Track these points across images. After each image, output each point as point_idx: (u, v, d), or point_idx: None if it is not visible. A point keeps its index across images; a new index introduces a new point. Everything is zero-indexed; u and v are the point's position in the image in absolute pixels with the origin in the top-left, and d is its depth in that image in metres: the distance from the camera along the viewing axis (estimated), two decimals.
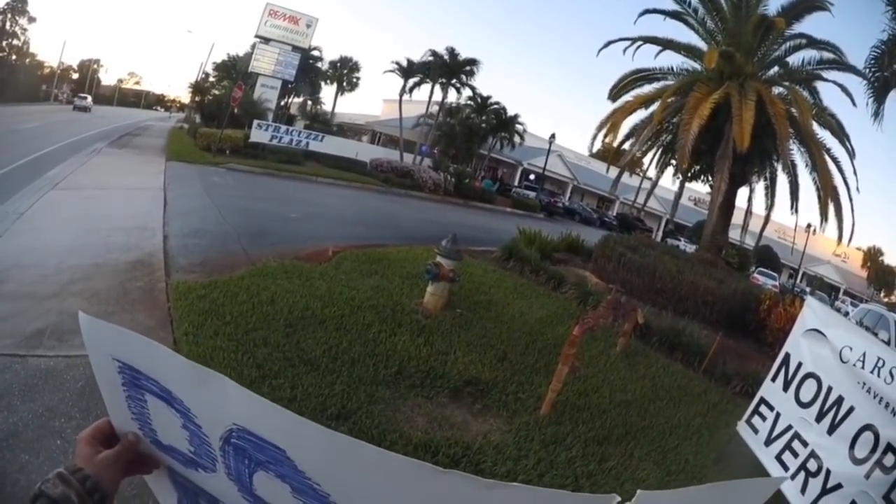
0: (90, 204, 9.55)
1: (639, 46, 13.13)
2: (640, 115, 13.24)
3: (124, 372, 0.74)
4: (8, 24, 52.59)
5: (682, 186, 14.96)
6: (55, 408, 3.32)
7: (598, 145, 14.85)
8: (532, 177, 41.00)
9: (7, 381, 3.53)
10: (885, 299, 45.05)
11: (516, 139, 34.27)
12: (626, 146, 14.26)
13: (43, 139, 18.25)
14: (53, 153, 15.10)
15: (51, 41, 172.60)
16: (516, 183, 40.53)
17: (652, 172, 14.78)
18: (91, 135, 23.29)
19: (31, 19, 55.31)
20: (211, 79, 45.87)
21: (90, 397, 3.41)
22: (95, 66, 79.37)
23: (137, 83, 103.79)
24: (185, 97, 67.20)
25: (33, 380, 3.59)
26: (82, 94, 54.00)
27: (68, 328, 4.33)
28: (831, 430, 3.49)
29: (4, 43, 52.74)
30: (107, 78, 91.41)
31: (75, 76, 76.87)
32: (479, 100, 32.41)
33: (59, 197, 9.55)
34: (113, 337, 0.73)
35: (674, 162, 12.88)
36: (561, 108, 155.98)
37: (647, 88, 13.25)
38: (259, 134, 24.48)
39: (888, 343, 12.04)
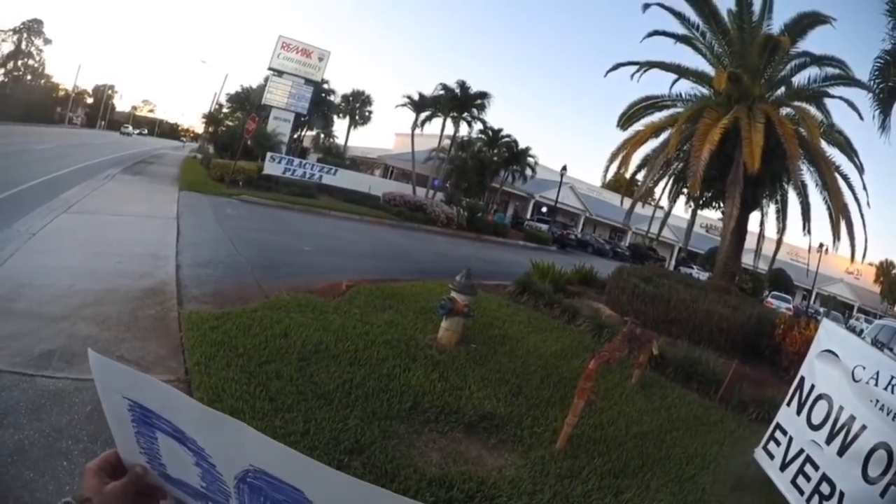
0: (103, 229, 9.61)
1: (645, 70, 13.15)
2: (651, 144, 13.26)
3: (135, 410, 0.72)
4: (24, 44, 54.09)
5: (694, 214, 14.86)
6: (63, 429, 3.29)
7: (610, 175, 14.82)
8: (544, 209, 41.08)
9: (14, 398, 3.51)
10: None
11: (528, 172, 34.48)
12: (639, 177, 14.22)
13: (57, 161, 18.61)
14: (67, 176, 15.34)
15: (66, 64, 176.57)
16: (529, 216, 40.61)
17: (664, 202, 14.73)
18: (104, 160, 23.44)
19: (47, 41, 57.14)
20: (224, 110, 46.80)
21: (98, 422, 3.35)
22: (110, 91, 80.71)
23: (151, 111, 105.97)
24: (199, 126, 68.64)
25: (41, 400, 3.56)
26: (126, 125, 77.17)
27: (78, 352, 4.30)
28: (842, 450, 3.46)
29: (20, 63, 54.24)
30: (121, 104, 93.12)
31: (90, 100, 77.78)
32: (490, 133, 32.72)
33: (71, 220, 9.62)
34: (124, 377, 0.72)
35: (685, 190, 12.83)
36: (572, 140, 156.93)
37: (656, 116, 13.29)
38: (272, 166, 24.79)
39: None
